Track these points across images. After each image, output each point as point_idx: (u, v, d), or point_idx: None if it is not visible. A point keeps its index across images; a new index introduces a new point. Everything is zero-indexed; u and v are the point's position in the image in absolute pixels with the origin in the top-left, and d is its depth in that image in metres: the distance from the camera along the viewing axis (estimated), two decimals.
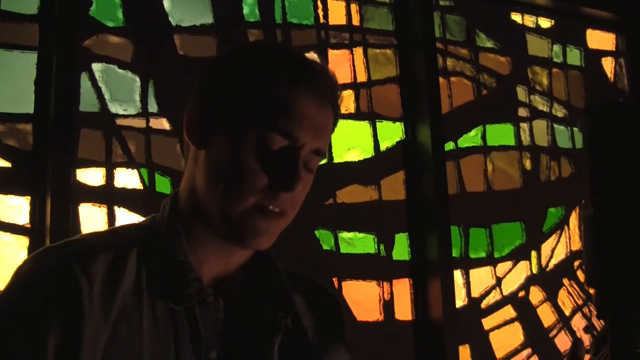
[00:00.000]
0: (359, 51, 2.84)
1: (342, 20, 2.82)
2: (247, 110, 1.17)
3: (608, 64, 3.51)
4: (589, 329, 1.43)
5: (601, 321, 1.46)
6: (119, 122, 2.35)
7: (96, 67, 2.35)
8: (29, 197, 2.21)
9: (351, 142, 2.75)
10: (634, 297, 0.79)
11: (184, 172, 1.28)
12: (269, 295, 1.28)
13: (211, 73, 1.25)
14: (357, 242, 2.69)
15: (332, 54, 2.78)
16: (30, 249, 2.17)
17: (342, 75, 2.75)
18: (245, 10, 2.63)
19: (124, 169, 2.34)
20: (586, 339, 1.45)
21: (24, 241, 2.19)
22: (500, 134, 3.13)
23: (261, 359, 1.24)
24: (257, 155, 1.16)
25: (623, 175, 0.76)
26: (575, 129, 3.35)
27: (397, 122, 2.86)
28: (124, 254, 1.18)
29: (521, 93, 3.21)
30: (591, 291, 3.04)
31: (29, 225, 2.20)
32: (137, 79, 2.40)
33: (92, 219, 2.26)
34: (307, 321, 1.33)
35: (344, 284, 2.62)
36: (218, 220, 1.19)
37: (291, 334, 1.28)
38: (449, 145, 2.94)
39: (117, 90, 2.37)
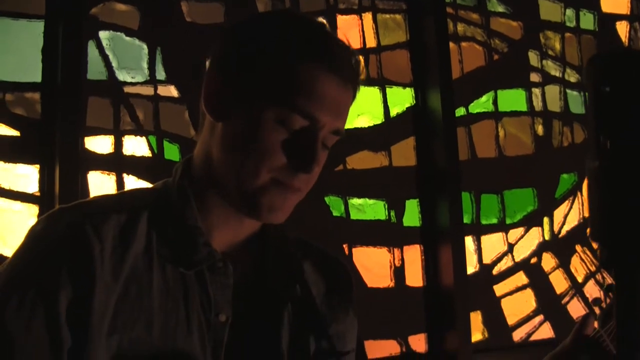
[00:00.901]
0: (368, 16, 2.81)
1: None
2: (267, 88, 1.16)
3: (622, 28, 3.46)
4: (596, 301, 1.42)
5: (610, 294, 1.46)
6: (127, 89, 2.35)
7: (103, 35, 2.34)
8: (37, 166, 2.22)
9: (361, 108, 2.73)
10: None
11: (195, 139, 1.27)
12: (278, 263, 1.29)
13: (230, 44, 1.23)
14: (367, 209, 2.69)
15: (341, 19, 2.75)
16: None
17: (351, 41, 2.71)
18: None
19: (132, 136, 2.34)
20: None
21: (33, 209, 2.21)
22: (512, 99, 3.10)
23: (270, 325, 1.24)
24: (276, 133, 1.15)
25: (628, 124, 0.75)
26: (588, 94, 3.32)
27: (407, 88, 2.84)
28: (136, 216, 1.19)
29: (533, 58, 3.17)
30: (594, 245, 3.04)
31: (38, 194, 2.22)
32: (145, 46, 2.39)
33: (101, 186, 2.27)
34: (315, 289, 1.33)
35: (354, 250, 2.63)
36: (234, 194, 1.19)
37: (300, 301, 1.28)
38: (460, 111, 2.92)
39: (124, 58, 2.36)
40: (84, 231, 1.14)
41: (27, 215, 2.20)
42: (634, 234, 0.77)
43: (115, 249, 1.15)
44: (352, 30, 2.77)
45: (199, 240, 1.20)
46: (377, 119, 2.77)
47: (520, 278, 2.99)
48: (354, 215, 2.66)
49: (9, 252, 2.14)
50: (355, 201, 2.67)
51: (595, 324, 1.39)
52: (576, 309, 3.10)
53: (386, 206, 2.72)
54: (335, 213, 2.62)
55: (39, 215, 2.19)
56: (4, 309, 1.10)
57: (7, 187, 2.18)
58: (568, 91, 3.25)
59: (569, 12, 3.32)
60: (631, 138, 0.75)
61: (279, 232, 1.31)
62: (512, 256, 2.99)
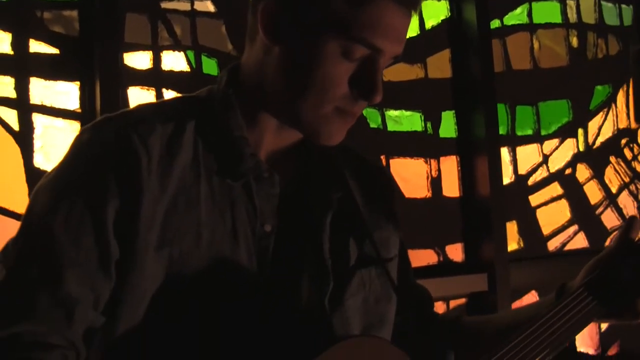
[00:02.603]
0: None
1: None
2: (330, 20, 1.13)
3: None
4: None
5: None
6: (164, 5, 2.34)
7: None
8: (78, 83, 2.24)
9: None
10: None
11: (233, 54, 1.26)
12: (321, 171, 1.30)
13: None
14: (403, 120, 2.70)
15: None
16: None
17: None
18: None
19: (171, 51, 2.35)
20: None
21: (75, 126, 2.23)
22: (547, 11, 3.08)
23: (314, 233, 1.26)
24: (339, 65, 1.14)
25: None
26: (623, 5, 3.28)
27: (442, 0, 2.81)
28: (181, 126, 1.19)
29: None
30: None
31: (79, 110, 2.24)
32: None
33: (141, 102, 2.29)
34: (357, 195, 1.33)
35: (391, 161, 2.65)
36: (291, 119, 1.20)
37: (342, 208, 1.29)
38: (495, 23, 2.89)
39: None
40: (131, 141, 1.14)
41: (69, 132, 2.23)
42: None
43: (162, 160, 1.15)
44: None
45: (245, 151, 1.20)
46: (413, 31, 2.75)
47: (555, 189, 3.02)
48: (391, 127, 2.67)
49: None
50: (392, 113, 2.68)
51: None
52: (610, 219, 3.14)
53: (422, 118, 2.74)
54: (372, 125, 2.63)
55: None
56: (52, 221, 1.11)
57: (48, 105, 2.21)
58: (603, 3, 3.22)
59: None
60: None
61: None
62: (547, 167, 3.01)
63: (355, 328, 1.27)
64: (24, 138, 2.15)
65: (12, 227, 2.09)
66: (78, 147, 1.18)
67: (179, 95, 1.29)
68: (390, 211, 1.40)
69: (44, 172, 2.11)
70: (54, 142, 2.21)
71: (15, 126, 2.14)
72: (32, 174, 2.14)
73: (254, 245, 1.19)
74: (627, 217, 2.86)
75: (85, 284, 1.09)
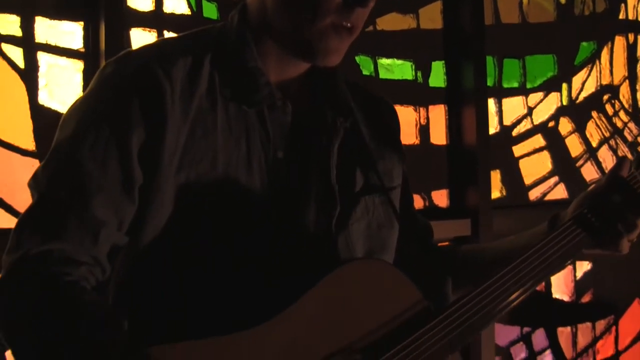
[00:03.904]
0: None
1: None
2: None
3: None
4: (632, 145, 1.50)
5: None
6: None
7: None
8: (82, 23, 2.28)
9: None
10: None
11: None
12: (330, 101, 1.35)
13: None
14: (395, 69, 2.76)
15: None
16: (85, 72, 2.27)
17: None
18: None
19: None
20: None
21: (79, 65, 2.27)
22: None
23: (322, 160, 1.32)
24: None
25: None
26: None
27: None
28: (200, 59, 1.25)
29: None
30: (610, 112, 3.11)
31: (83, 50, 2.28)
32: None
33: (143, 43, 2.34)
34: (364, 127, 1.39)
35: None
36: (290, 41, 1.25)
37: (350, 138, 1.36)
38: None
39: None
40: (155, 73, 1.20)
41: (73, 71, 2.27)
42: None
43: (184, 91, 1.21)
44: None
45: (260, 80, 1.26)
46: None
47: (538, 140, 3.10)
48: (383, 74, 2.73)
49: (57, 106, 2.23)
50: (384, 61, 2.74)
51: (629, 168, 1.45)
52: (589, 172, 3.23)
53: (413, 67, 2.80)
54: (364, 72, 2.69)
55: (84, 71, 2.27)
56: (79, 148, 1.18)
57: (53, 44, 2.25)
58: None
59: None
60: None
61: (331, 72, 1.36)
62: (531, 119, 3.09)
63: (358, 252, 1.34)
64: (29, 76, 2.20)
65: (17, 162, 2.18)
66: (103, 79, 1.24)
67: (193, 30, 1.34)
68: (394, 143, 1.46)
69: (48, 109, 2.22)
70: (58, 81, 2.25)
71: (21, 64, 2.18)
72: (37, 111, 2.20)
73: (267, 171, 1.26)
74: (609, 167, 2.98)
75: (110, 208, 1.17)
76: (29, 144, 2.20)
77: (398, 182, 1.45)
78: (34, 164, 2.19)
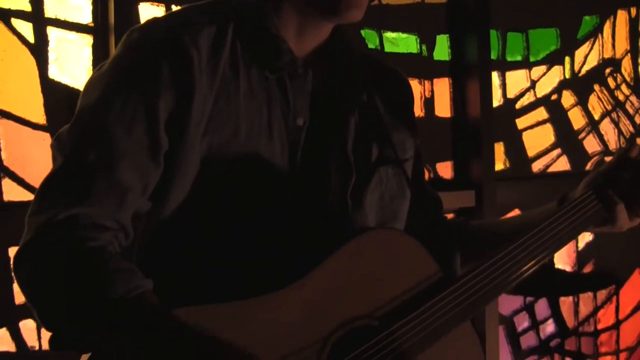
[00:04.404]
0: None
1: None
2: None
3: None
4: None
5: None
6: None
7: None
8: None
9: None
10: None
11: None
12: (347, 73, 1.37)
13: None
14: (400, 42, 2.78)
15: None
16: (95, 47, 2.30)
17: None
18: None
19: None
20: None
21: (88, 39, 2.30)
22: None
23: (339, 130, 1.34)
24: None
25: None
26: None
27: None
28: (223, 28, 1.25)
29: None
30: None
31: (92, 24, 2.31)
32: None
33: (151, 17, 2.36)
34: (379, 98, 1.41)
35: None
36: (312, 2, 1.26)
37: (365, 109, 1.38)
38: None
39: None
40: (183, 41, 1.20)
41: (82, 45, 2.30)
42: None
43: (210, 59, 1.22)
44: None
45: (282, 47, 1.27)
46: None
47: (541, 113, 3.12)
48: (388, 48, 2.76)
49: (67, 80, 2.27)
50: (389, 35, 2.76)
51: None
52: (591, 144, 3.25)
53: (418, 40, 2.81)
54: (370, 45, 2.71)
55: (93, 45, 2.30)
56: (106, 112, 1.19)
57: (62, 18, 2.27)
58: None
59: None
60: None
61: (347, 44, 1.39)
62: (534, 92, 3.10)
63: (370, 222, 1.36)
64: (39, 50, 2.23)
65: (28, 136, 2.21)
66: (130, 44, 1.24)
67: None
68: (408, 115, 1.49)
69: (58, 83, 2.25)
70: (67, 55, 2.28)
71: (31, 38, 2.21)
72: (47, 85, 2.23)
73: (287, 138, 1.28)
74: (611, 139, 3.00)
75: (136, 172, 1.18)
76: (40, 118, 2.23)
77: (411, 154, 1.47)
78: (44, 138, 2.23)
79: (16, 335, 2.18)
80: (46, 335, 2.13)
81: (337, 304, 1.23)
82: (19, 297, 2.17)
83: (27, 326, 2.20)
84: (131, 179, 1.18)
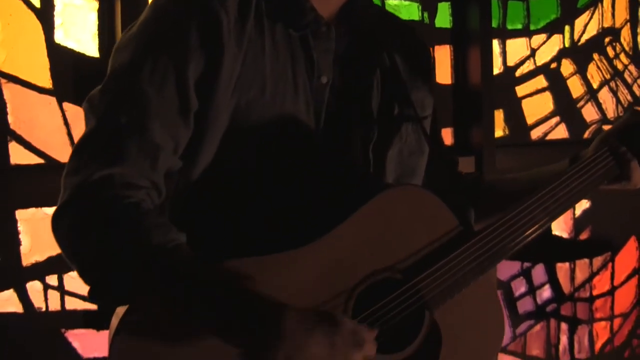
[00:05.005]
0: None
1: None
2: None
3: None
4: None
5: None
6: None
7: None
8: None
9: None
10: None
11: None
12: (369, 32, 1.40)
13: None
14: (402, 9, 2.79)
15: None
16: (100, 12, 2.30)
17: None
18: None
19: None
20: None
21: (93, 4, 2.30)
22: None
23: (362, 89, 1.38)
24: None
25: None
26: None
27: None
28: None
29: None
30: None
31: None
32: None
33: None
34: (399, 57, 1.45)
35: None
36: None
37: (386, 67, 1.41)
38: None
39: None
40: (212, 4, 1.23)
41: (88, 10, 2.30)
42: None
43: (237, 21, 1.25)
44: None
45: (305, 5, 1.30)
46: None
47: (540, 81, 3.14)
48: None
49: (73, 44, 2.27)
50: (391, 2, 2.76)
51: None
52: (590, 112, 3.27)
53: (420, 8, 2.83)
54: None
55: (99, 10, 2.31)
56: (138, 74, 1.22)
57: None
58: None
59: None
60: None
61: (368, 3, 1.42)
62: (534, 60, 3.12)
63: (389, 177, 1.41)
64: (45, 15, 2.23)
65: (35, 100, 2.23)
66: (159, 7, 1.27)
67: None
68: (427, 73, 1.52)
69: (64, 48, 2.26)
70: (73, 20, 2.29)
71: (37, 3, 2.22)
72: (53, 49, 2.24)
73: (312, 96, 1.31)
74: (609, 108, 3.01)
75: (167, 132, 1.22)
76: (46, 82, 2.25)
77: (429, 112, 1.51)
78: (50, 102, 2.25)
79: (23, 297, 2.21)
80: (53, 296, 2.21)
81: (362, 258, 1.27)
82: (26, 259, 2.21)
83: (34, 288, 2.23)
84: (163, 139, 1.22)
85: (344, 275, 1.25)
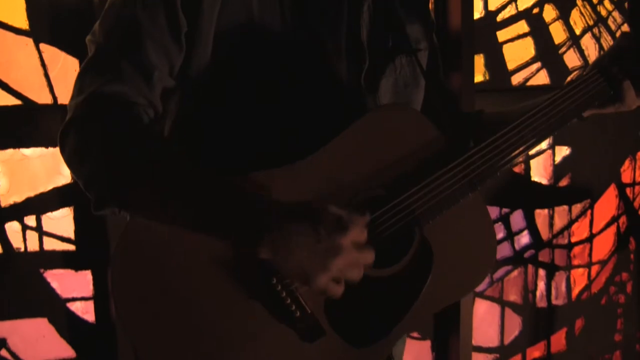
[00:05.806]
0: None
1: None
2: None
3: None
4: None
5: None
6: None
7: None
8: None
9: None
10: None
11: None
12: None
13: None
14: None
15: None
16: None
17: None
18: None
19: None
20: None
21: None
22: None
23: (353, 16, 1.41)
24: None
25: None
26: None
27: None
28: None
29: None
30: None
31: None
32: None
33: None
34: None
35: None
36: None
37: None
38: None
39: None
40: None
41: None
42: None
43: None
44: None
45: None
46: None
47: (522, 26, 3.12)
48: None
49: None
50: None
51: None
52: (572, 59, 3.26)
53: None
54: None
55: None
56: (134, 6, 1.32)
57: None
58: None
59: None
60: None
61: None
62: (516, 5, 3.09)
63: None
64: None
65: (11, 40, 2.22)
66: None
67: None
68: (423, 10, 1.55)
69: None
70: None
71: None
72: None
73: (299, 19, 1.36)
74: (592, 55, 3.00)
75: (160, 53, 1.32)
76: (23, 23, 2.24)
77: (425, 45, 1.54)
78: (27, 42, 2.24)
79: (2, 238, 2.22)
80: (31, 237, 2.21)
81: (353, 174, 1.32)
82: (4, 200, 2.22)
83: (13, 228, 2.25)
84: (157, 58, 1.32)
85: (336, 189, 1.31)
